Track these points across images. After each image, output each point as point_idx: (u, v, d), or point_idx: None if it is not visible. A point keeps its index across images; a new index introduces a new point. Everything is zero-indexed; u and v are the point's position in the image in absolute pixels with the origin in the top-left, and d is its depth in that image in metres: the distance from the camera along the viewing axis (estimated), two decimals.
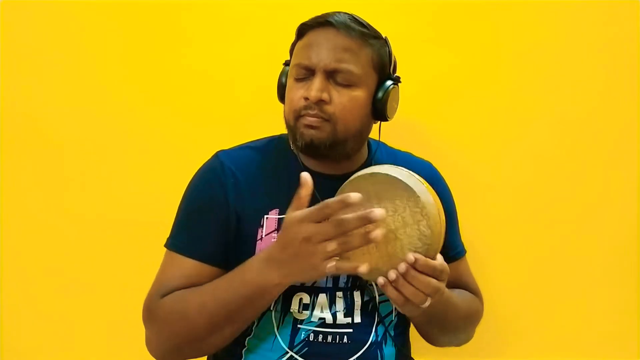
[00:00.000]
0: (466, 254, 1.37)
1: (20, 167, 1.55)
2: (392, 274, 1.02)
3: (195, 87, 1.57)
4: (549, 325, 1.63)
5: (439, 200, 1.07)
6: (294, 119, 1.16)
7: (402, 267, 1.01)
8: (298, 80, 1.17)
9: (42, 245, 1.55)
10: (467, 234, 1.39)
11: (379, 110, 1.19)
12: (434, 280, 1.03)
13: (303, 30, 1.20)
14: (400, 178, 1.04)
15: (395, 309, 1.22)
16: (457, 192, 1.36)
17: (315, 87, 1.13)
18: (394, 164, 1.15)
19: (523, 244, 1.62)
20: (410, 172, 1.08)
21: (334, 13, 1.18)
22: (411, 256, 1.01)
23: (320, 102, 1.13)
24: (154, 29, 1.57)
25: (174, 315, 1.11)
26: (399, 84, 1.23)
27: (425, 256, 1.03)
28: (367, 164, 1.25)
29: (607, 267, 1.62)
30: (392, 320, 1.23)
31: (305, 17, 1.21)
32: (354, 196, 0.95)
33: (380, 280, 1.03)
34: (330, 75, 1.14)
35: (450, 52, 1.60)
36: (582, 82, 1.61)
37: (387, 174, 1.05)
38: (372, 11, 1.30)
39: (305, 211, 0.98)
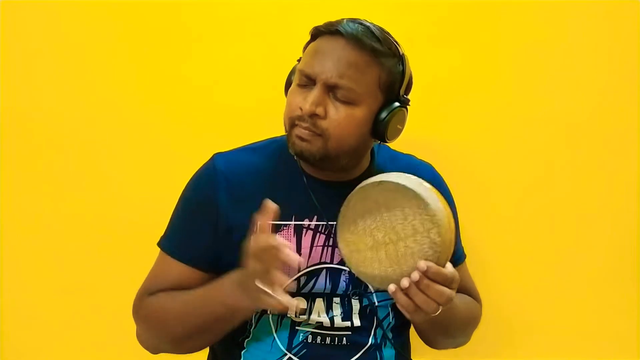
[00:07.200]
0: (467, 255, 1.36)
1: (19, 167, 1.55)
2: (405, 282, 1.00)
3: (194, 88, 1.57)
4: (549, 326, 1.63)
5: (449, 208, 1.06)
6: (289, 126, 1.13)
7: (415, 275, 0.99)
8: (300, 86, 1.12)
9: (41, 245, 1.55)
10: (468, 234, 1.38)
11: (379, 132, 1.13)
12: (446, 289, 1.01)
13: (315, 34, 1.14)
14: (409, 186, 1.03)
15: (392, 311, 1.22)
16: (459, 193, 1.35)
17: (311, 100, 1.08)
18: (396, 168, 1.14)
19: (523, 245, 1.62)
20: (420, 179, 1.06)
21: (349, 21, 1.11)
22: (423, 264, 0.99)
23: (313, 116, 1.09)
24: (153, 30, 1.57)
25: (155, 318, 1.17)
26: (408, 106, 1.16)
27: (437, 264, 1.01)
28: (369, 169, 1.23)
29: (607, 267, 1.62)
30: (390, 323, 1.23)
31: (308, 19, 1.18)
32: (273, 240, 0.96)
33: (392, 287, 1.02)
34: (330, 89, 1.09)
35: (451, 52, 1.59)
36: (583, 83, 1.60)
37: (396, 182, 1.03)
38: (374, 10, 1.29)
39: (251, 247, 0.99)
